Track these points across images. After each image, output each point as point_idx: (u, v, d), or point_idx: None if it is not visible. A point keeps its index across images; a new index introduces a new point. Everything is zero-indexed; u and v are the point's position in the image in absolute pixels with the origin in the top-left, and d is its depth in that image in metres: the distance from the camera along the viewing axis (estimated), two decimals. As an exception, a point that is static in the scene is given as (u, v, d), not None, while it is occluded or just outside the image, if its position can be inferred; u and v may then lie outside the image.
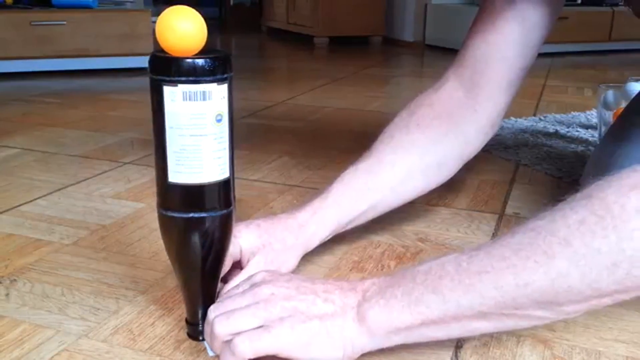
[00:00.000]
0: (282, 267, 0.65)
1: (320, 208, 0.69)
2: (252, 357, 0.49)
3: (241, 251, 0.63)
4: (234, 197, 0.54)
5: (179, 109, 0.48)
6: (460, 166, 0.77)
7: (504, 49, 0.71)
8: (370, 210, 0.72)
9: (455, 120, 0.74)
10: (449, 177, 0.77)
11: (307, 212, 0.68)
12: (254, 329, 0.49)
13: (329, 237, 0.70)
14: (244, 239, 0.63)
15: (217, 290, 0.57)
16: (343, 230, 0.72)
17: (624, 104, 1.14)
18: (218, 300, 0.55)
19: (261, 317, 0.50)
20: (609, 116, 1.17)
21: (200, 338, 0.56)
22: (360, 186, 0.71)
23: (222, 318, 0.50)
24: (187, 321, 0.57)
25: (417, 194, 0.75)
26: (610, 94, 1.19)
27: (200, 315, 0.55)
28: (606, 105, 1.19)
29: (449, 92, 0.74)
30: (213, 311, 0.52)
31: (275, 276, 0.55)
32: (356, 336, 0.50)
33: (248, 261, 0.63)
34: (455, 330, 0.50)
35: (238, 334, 0.49)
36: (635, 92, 1.01)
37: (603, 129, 1.20)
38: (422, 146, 0.73)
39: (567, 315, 0.48)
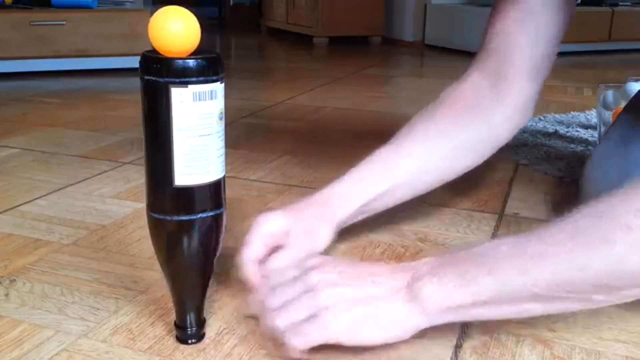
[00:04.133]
0: (319, 240, 0.66)
1: (345, 181, 0.70)
2: (305, 348, 0.50)
3: (272, 234, 0.63)
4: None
5: (189, 110, 0.48)
6: (489, 154, 0.77)
7: (526, 37, 0.71)
8: (395, 190, 0.72)
9: (481, 110, 0.74)
10: (477, 162, 0.77)
11: (331, 187, 0.70)
12: (304, 319, 0.51)
13: (356, 217, 0.72)
14: (274, 221, 0.64)
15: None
16: (369, 210, 0.72)
17: (623, 104, 1.14)
18: (268, 286, 0.56)
19: (311, 307, 0.51)
20: (609, 116, 1.17)
21: (189, 342, 0.55)
22: (384, 165, 0.72)
23: (280, 312, 0.52)
24: (176, 325, 0.56)
25: (442, 178, 0.76)
26: (609, 94, 1.19)
27: (189, 320, 0.55)
28: (606, 105, 1.19)
29: (473, 83, 0.75)
30: (268, 303, 0.53)
31: (323, 262, 0.56)
32: (408, 315, 0.52)
33: (284, 243, 0.64)
34: (507, 312, 0.51)
35: (290, 325, 0.51)
36: (635, 92, 1.01)
37: (603, 128, 1.20)
38: (447, 133, 0.74)
39: (626, 299, 0.48)
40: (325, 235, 0.67)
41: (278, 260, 0.62)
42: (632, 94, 1.07)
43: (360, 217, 0.73)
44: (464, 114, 0.74)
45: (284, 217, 0.65)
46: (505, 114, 0.74)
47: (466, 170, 0.77)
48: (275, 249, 0.64)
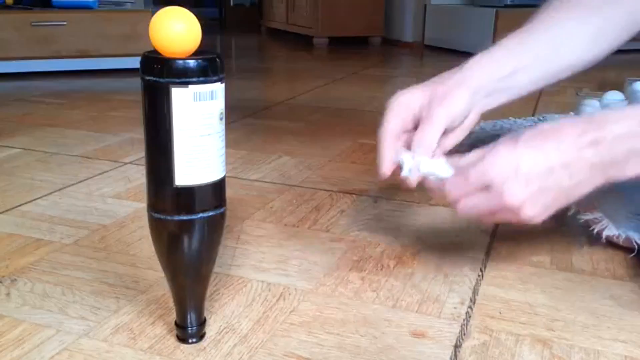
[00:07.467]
0: (453, 103, 0.66)
1: (477, 58, 0.70)
2: None
3: (408, 107, 0.66)
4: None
5: (190, 110, 0.48)
6: (623, 40, 0.78)
7: None
8: (528, 69, 0.71)
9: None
10: (606, 52, 0.77)
11: (465, 64, 0.70)
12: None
13: (492, 94, 0.70)
14: (410, 95, 0.66)
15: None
16: (503, 89, 0.71)
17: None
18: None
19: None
20: None
21: (190, 341, 0.56)
22: (514, 44, 0.71)
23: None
24: (176, 324, 0.56)
25: (572, 65, 0.75)
26: (589, 105, 1.17)
27: (189, 319, 0.55)
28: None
29: None
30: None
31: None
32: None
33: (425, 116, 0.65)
34: None
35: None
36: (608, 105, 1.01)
37: None
38: (579, 17, 0.73)
39: None
40: (460, 98, 0.67)
41: (423, 140, 0.63)
42: (610, 103, 1.07)
43: (497, 98, 0.71)
44: (597, 6, 0.74)
45: (422, 90, 0.67)
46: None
47: (594, 62, 0.76)
48: (415, 122, 0.66)
